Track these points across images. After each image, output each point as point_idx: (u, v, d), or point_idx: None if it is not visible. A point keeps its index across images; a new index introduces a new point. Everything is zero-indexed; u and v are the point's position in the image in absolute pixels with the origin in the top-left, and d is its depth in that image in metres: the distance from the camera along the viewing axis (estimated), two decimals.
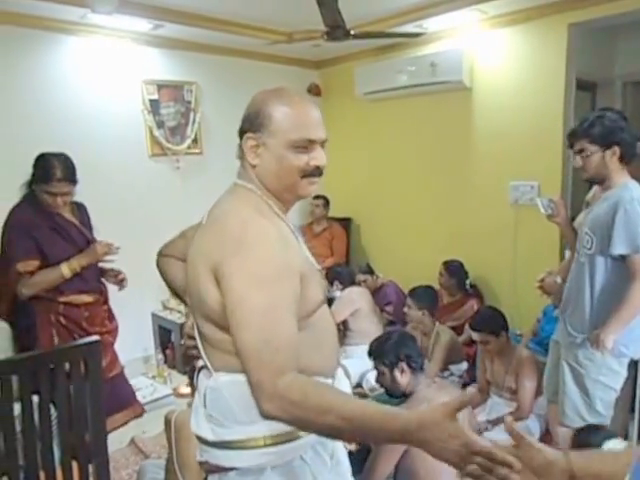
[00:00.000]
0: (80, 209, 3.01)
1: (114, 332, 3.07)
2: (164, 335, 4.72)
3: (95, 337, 1.87)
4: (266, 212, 1.33)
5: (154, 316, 4.75)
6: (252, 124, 1.34)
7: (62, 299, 2.72)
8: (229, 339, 1.23)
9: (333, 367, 1.43)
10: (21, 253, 2.61)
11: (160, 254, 1.70)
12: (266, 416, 1.16)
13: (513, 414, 3.17)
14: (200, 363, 1.41)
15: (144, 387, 4.12)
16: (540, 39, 4.14)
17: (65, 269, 2.68)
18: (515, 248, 4.47)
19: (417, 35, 4.31)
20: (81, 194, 4.14)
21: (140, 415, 3.26)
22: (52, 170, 2.63)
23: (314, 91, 5.76)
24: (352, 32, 3.52)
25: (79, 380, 1.82)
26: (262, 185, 1.36)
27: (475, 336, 3.30)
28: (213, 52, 4.87)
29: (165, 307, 4.77)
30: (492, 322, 3.27)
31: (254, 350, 1.16)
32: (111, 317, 3.08)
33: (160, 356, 4.47)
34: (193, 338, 1.42)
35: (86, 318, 2.81)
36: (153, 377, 4.33)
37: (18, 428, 1.72)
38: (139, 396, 3.89)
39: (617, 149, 2.39)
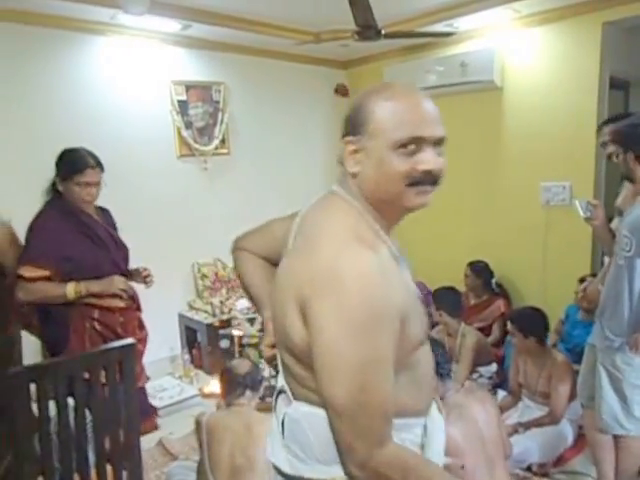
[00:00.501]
0: (105, 213, 2.94)
1: (144, 341, 3.01)
2: (190, 335, 4.73)
3: (130, 340, 1.87)
4: (366, 234, 1.12)
5: (180, 316, 4.77)
6: (352, 126, 1.15)
7: (99, 303, 2.63)
8: (311, 376, 1.09)
9: (429, 406, 1.27)
10: (32, 257, 2.49)
11: (237, 246, 1.50)
12: (349, 477, 1.06)
13: (545, 418, 3.12)
14: (279, 384, 1.28)
15: (171, 387, 4.13)
16: (573, 38, 4.08)
17: (70, 290, 2.53)
18: (545, 249, 4.41)
19: (448, 34, 4.26)
20: (109, 194, 4.19)
21: (155, 429, 3.29)
22: (84, 159, 2.60)
23: (341, 91, 5.73)
24: (383, 32, 3.48)
25: (114, 382, 1.81)
26: (363, 197, 1.16)
27: (509, 326, 3.27)
28: (241, 52, 4.87)
29: (191, 307, 4.78)
30: (526, 321, 3.21)
31: (348, 412, 1.01)
32: (141, 325, 3.02)
33: (186, 356, 4.47)
34: (274, 358, 1.31)
35: (121, 324, 2.74)
36: (180, 377, 4.34)
37: (53, 430, 1.72)
38: (165, 396, 3.93)
39: (632, 154, 2.35)
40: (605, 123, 2.88)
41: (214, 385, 4.12)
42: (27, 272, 2.45)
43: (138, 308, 2.97)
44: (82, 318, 2.60)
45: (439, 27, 4.36)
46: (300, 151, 5.56)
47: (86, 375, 1.75)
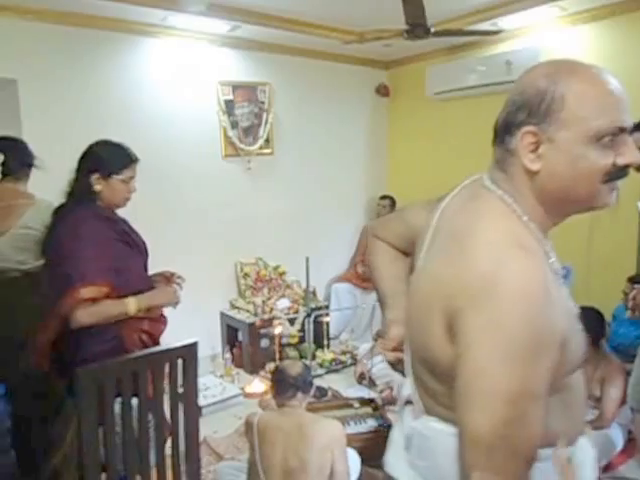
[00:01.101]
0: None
1: None
2: (232, 334, 4.75)
3: (194, 339, 1.88)
4: (527, 241, 0.98)
5: (222, 315, 4.79)
6: (531, 112, 0.97)
7: (148, 314, 2.33)
8: (448, 393, 0.98)
9: (578, 433, 1.11)
10: (93, 276, 2.13)
11: (372, 233, 1.42)
12: None
13: (593, 423, 3.06)
14: (406, 392, 1.19)
15: (213, 386, 4.14)
16: (624, 35, 3.99)
17: (132, 306, 2.21)
18: (590, 249, 4.32)
19: (496, 33, 4.20)
20: (156, 193, 4.26)
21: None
22: (127, 152, 2.33)
23: (382, 91, 5.71)
24: (432, 30, 3.45)
25: (175, 382, 1.83)
26: (533, 199, 1.01)
27: None
28: (286, 53, 4.90)
29: (233, 306, 4.81)
30: (582, 319, 3.15)
31: (486, 444, 0.88)
32: None
33: (228, 355, 4.49)
34: (398, 362, 1.24)
35: (161, 332, 2.42)
36: (221, 376, 4.36)
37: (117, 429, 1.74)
38: (208, 395, 3.95)
39: None
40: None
41: (256, 385, 4.15)
42: (89, 294, 2.14)
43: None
44: (132, 331, 2.29)
45: (483, 26, 4.30)
46: (342, 151, 5.56)
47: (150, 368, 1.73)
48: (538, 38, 4.41)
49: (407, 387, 1.19)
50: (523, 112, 0.99)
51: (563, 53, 4.29)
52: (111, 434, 1.67)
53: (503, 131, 1.03)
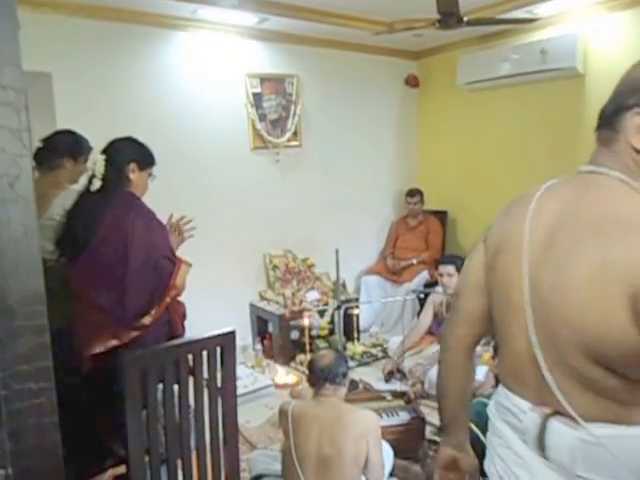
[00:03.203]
0: None
1: None
2: (261, 325, 4.79)
3: (231, 328, 1.89)
4: None
5: (252, 306, 4.82)
6: None
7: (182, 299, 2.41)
8: (629, 386, 1.00)
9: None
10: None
11: (448, 345, 1.45)
12: None
13: None
14: (542, 408, 1.12)
15: (244, 376, 4.16)
16: None
17: (187, 260, 2.33)
18: None
19: (531, 21, 4.12)
20: (187, 185, 4.28)
21: None
22: (152, 153, 2.43)
23: (412, 82, 5.65)
24: (465, 19, 3.39)
25: (214, 370, 1.84)
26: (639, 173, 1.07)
27: None
28: (314, 44, 4.88)
29: (262, 298, 4.83)
30: None
31: None
32: None
33: (258, 346, 4.51)
34: None
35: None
36: (252, 367, 4.39)
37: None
38: (240, 385, 3.97)
39: None
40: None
41: (286, 376, 4.16)
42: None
43: None
44: (177, 317, 2.32)
45: (518, 13, 4.23)
46: (371, 142, 5.54)
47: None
48: (575, 25, 4.30)
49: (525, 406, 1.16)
50: (633, 96, 1.07)
51: (601, 40, 4.21)
52: (154, 419, 1.69)
53: (612, 114, 1.11)
